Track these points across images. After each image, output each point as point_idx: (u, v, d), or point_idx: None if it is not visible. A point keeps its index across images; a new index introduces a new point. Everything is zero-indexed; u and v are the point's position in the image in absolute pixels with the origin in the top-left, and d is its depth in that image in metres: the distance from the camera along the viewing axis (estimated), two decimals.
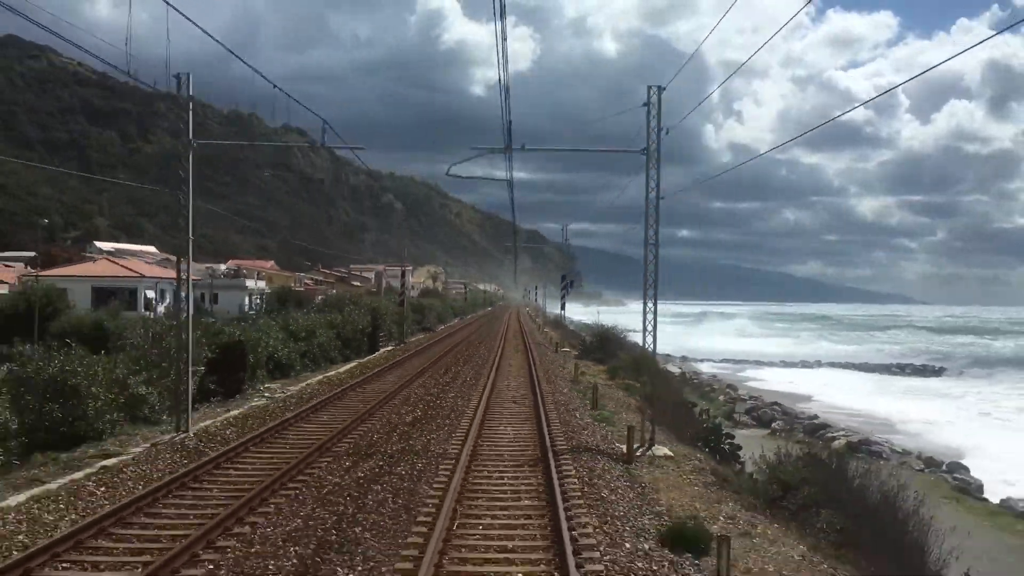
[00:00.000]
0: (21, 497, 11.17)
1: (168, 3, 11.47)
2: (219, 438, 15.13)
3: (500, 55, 14.38)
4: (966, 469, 30.84)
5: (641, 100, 15.70)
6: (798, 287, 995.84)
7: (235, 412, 19.22)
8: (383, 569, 7.84)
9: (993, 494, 28.31)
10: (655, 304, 15.06)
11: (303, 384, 25.03)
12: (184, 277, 16.64)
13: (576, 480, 11.83)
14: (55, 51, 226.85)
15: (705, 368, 69.43)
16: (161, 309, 51.16)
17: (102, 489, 11.31)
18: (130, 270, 56.38)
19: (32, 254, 73.64)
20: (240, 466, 12.60)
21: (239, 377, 22.94)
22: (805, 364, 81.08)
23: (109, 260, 61.48)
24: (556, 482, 11.12)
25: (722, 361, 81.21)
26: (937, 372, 76.69)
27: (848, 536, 11.38)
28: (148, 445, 14.81)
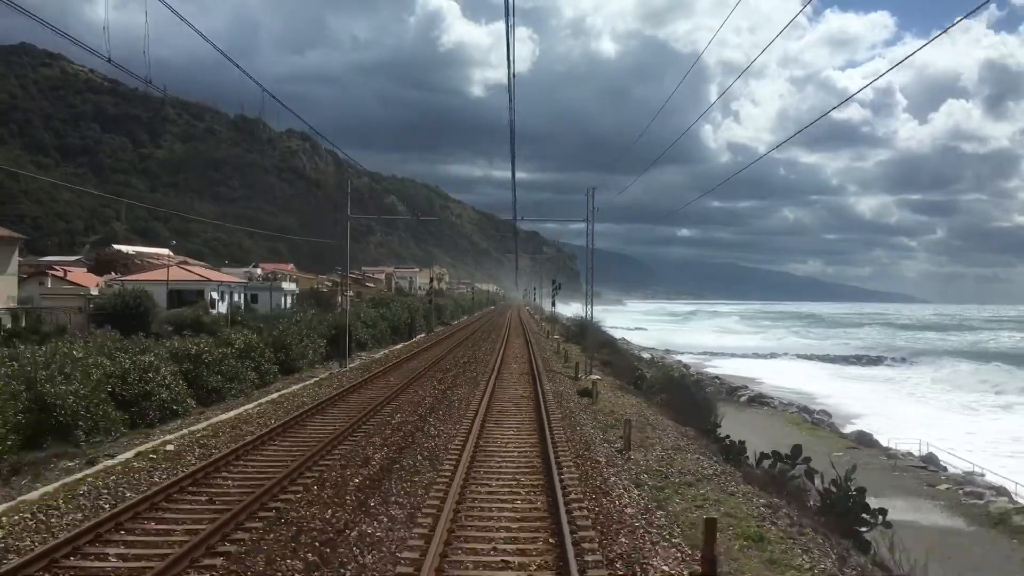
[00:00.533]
0: (296, 387, 25.91)
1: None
2: (369, 368, 29.96)
3: (512, 140, 29.11)
4: (828, 415, 45.58)
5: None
6: (798, 286, 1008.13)
7: (356, 363, 33.96)
8: (476, 385, 22.62)
9: (844, 429, 42.97)
10: (591, 309, 29.37)
11: (381, 353, 39.84)
12: (344, 294, 31.35)
13: (547, 380, 26.63)
14: (67, 59, 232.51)
15: (683, 358, 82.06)
16: (222, 308, 63.86)
17: (335, 382, 26.10)
18: (198, 275, 70.12)
19: (75, 258, 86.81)
20: (394, 374, 27.43)
21: (346, 347, 37.71)
22: (773, 355, 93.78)
23: (181, 267, 75.80)
24: (537, 379, 25.89)
25: (701, 353, 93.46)
26: (883, 362, 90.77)
27: (667, 402, 26.17)
28: (327, 373, 29.55)
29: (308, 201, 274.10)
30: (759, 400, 46.13)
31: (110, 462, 13.53)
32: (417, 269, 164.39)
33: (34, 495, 11.20)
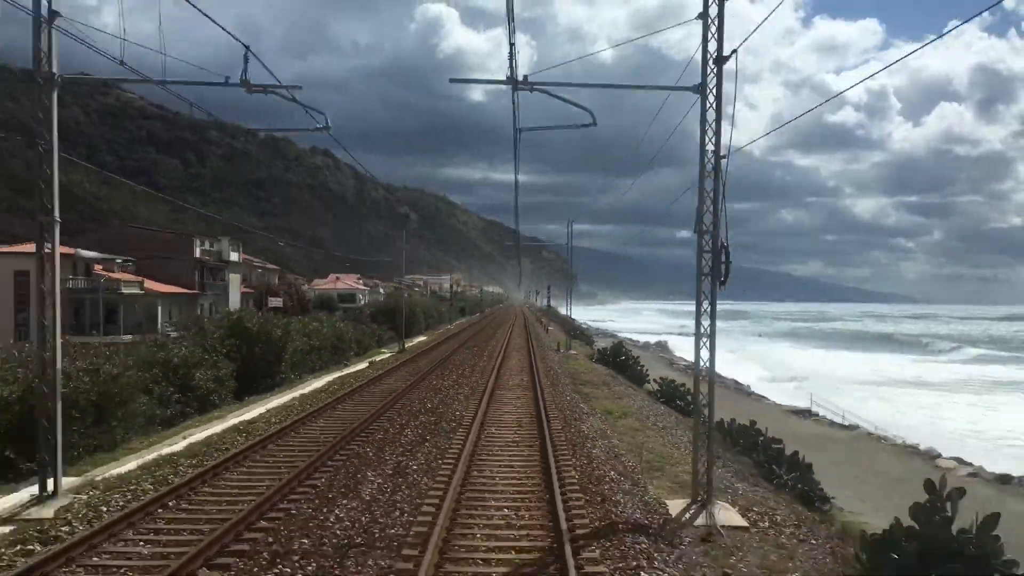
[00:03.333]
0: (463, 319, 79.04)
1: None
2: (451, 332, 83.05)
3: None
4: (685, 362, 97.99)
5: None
6: (797, 287, 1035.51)
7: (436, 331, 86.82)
8: (495, 350, 75.59)
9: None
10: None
11: (458, 322, 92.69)
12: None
13: (534, 338, 79.47)
14: (121, 87, 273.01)
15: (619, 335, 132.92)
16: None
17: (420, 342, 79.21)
18: (349, 284, 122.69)
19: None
20: (467, 331, 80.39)
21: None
22: (680, 334, 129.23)
23: (339, 280, 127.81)
24: (530, 340, 78.53)
25: (627, 333, 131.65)
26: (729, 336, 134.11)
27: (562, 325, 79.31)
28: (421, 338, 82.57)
29: (334, 213, 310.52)
30: (609, 335, 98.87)
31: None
32: (444, 276, 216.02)
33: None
